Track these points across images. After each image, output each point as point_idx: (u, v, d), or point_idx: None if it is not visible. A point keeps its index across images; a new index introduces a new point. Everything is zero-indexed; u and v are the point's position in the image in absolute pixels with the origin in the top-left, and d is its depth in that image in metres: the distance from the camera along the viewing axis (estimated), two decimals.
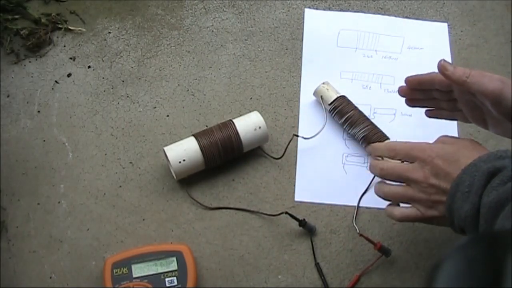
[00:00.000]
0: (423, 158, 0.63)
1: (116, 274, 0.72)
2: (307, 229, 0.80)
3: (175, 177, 0.81)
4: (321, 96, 0.88)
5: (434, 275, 0.38)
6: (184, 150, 0.80)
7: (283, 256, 0.79)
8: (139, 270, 0.73)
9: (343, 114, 0.86)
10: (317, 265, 0.79)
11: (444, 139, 0.66)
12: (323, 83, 0.89)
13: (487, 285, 0.35)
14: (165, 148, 0.80)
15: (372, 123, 0.86)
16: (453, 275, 0.38)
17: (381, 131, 0.85)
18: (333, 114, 0.88)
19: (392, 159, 0.68)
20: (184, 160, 0.79)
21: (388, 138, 0.85)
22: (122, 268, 0.73)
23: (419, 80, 0.72)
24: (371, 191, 0.79)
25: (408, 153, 0.65)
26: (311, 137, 0.86)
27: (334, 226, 0.82)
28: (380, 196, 0.69)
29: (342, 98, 0.87)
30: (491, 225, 0.54)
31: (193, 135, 0.82)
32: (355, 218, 0.81)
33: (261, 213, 0.81)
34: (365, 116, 0.87)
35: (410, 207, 0.66)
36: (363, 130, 0.84)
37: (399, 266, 0.79)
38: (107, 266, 0.73)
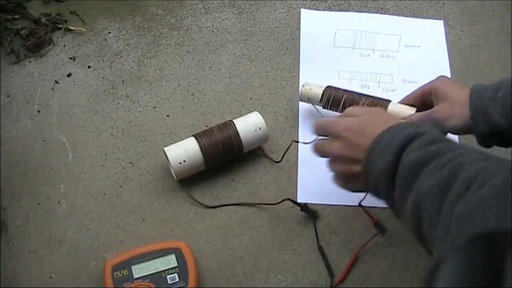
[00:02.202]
0: (333, 132, 0.67)
1: (117, 277, 0.72)
2: (309, 214, 0.80)
3: (175, 177, 0.81)
4: (308, 98, 0.87)
5: (434, 275, 0.38)
6: (184, 151, 0.80)
7: (283, 256, 0.79)
8: (139, 270, 0.73)
9: (338, 101, 0.84)
10: (320, 248, 0.79)
11: (351, 111, 0.69)
12: (303, 86, 0.87)
13: (487, 285, 0.35)
14: (165, 149, 0.80)
15: (369, 95, 0.84)
16: (453, 275, 0.38)
17: (381, 98, 0.84)
18: (330, 108, 0.86)
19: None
20: (184, 161, 0.79)
21: (390, 101, 0.83)
22: (122, 270, 0.73)
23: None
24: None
25: (322, 129, 0.70)
26: (310, 142, 0.84)
27: (334, 226, 0.82)
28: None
29: (329, 88, 0.86)
30: (410, 183, 0.55)
31: (193, 135, 0.82)
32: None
33: (262, 203, 0.82)
34: (359, 93, 0.85)
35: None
36: (365, 105, 0.83)
37: (399, 266, 0.79)
38: (107, 270, 0.73)
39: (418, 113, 0.78)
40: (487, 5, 1.04)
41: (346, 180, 0.67)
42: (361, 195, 0.75)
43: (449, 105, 0.74)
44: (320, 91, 0.86)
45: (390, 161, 0.57)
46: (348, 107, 0.82)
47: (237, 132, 0.81)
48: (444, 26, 1.01)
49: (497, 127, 0.70)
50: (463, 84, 0.77)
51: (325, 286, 0.77)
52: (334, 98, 0.85)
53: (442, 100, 0.75)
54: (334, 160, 0.67)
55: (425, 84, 0.80)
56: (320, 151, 0.70)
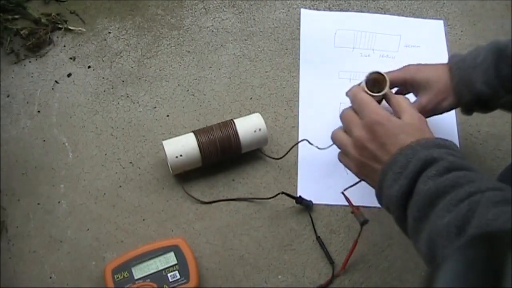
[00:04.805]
0: (367, 119, 0.63)
1: (118, 280, 0.72)
2: (304, 205, 0.81)
3: (171, 171, 0.81)
4: None
5: (434, 276, 0.38)
6: (182, 146, 0.80)
7: (283, 256, 0.79)
8: (139, 271, 0.73)
9: None
10: (318, 238, 0.80)
11: (403, 108, 0.65)
12: None
13: (487, 286, 0.35)
14: (164, 142, 0.81)
15: None
16: (453, 275, 0.38)
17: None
18: None
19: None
20: (181, 156, 0.79)
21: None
22: (122, 273, 0.73)
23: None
24: (369, 190, 0.78)
25: (357, 104, 0.66)
26: (325, 148, 0.79)
27: (334, 226, 0.82)
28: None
29: None
30: (425, 214, 0.54)
31: (192, 132, 0.82)
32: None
33: (257, 198, 0.82)
34: None
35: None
36: None
37: (399, 266, 0.79)
38: (107, 273, 0.73)
39: None
40: (487, 5, 1.04)
41: (361, 169, 0.65)
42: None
43: (435, 91, 0.74)
44: None
45: (405, 186, 0.56)
46: None
47: (236, 132, 0.81)
48: (444, 26, 1.01)
49: (481, 95, 0.71)
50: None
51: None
52: None
53: (424, 89, 0.75)
54: (356, 145, 0.64)
55: (392, 72, 0.77)
56: (345, 121, 0.67)
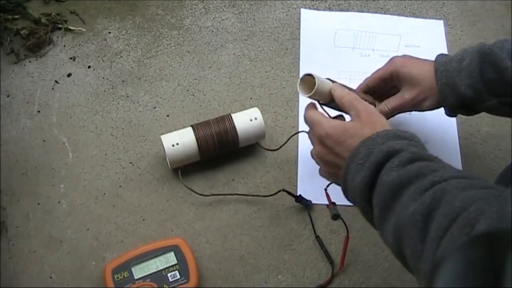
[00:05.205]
0: (317, 135, 0.66)
1: (118, 280, 0.72)
2: (304, 204, 0.82)
3: (169, 165, 0.81)
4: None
5: (434, 276, 0.38)
6: (178, 135, 0.81)
7: (283, 256, 0.79)
8: (139, 271, 0.73)
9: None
10: (317, 238, 0.80)
11: (346, 106, 0.67)
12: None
13: (487, 286, 0.35)
14: (162, 136, 0.81)
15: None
16: (453, 275, 0.38)
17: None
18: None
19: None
20: (177, 144, 0.80)
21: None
22: (122, 273, 0.73)
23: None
24: None
25: (309, 125, 0.69)
26: None
27: (333, 226, 0.82)
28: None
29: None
30: (391, 205, 0.54)
31: (190, 125, 0.83)
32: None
33: (258, 195, 0.82)
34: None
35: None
36: None
37: (399, 266, 0.79)
38: (107, 273, 0.73)
39: (390, 104, 0.77)
40: (487, 5, 1.04)
41: (335, 178, 0.67)
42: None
43: (419, 89, 0.74)
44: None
45: (367, 177, 0.57)
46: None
47: (233, 122, 0.82)
48: (444, 26, 1.01)
49: (465, 99, 0.71)
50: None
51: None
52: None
53: (408, 84, 0.75)
54: (321, 161, 0.68)
55: (380, 69, 0.79)
56: (312, 140, 0.70)
